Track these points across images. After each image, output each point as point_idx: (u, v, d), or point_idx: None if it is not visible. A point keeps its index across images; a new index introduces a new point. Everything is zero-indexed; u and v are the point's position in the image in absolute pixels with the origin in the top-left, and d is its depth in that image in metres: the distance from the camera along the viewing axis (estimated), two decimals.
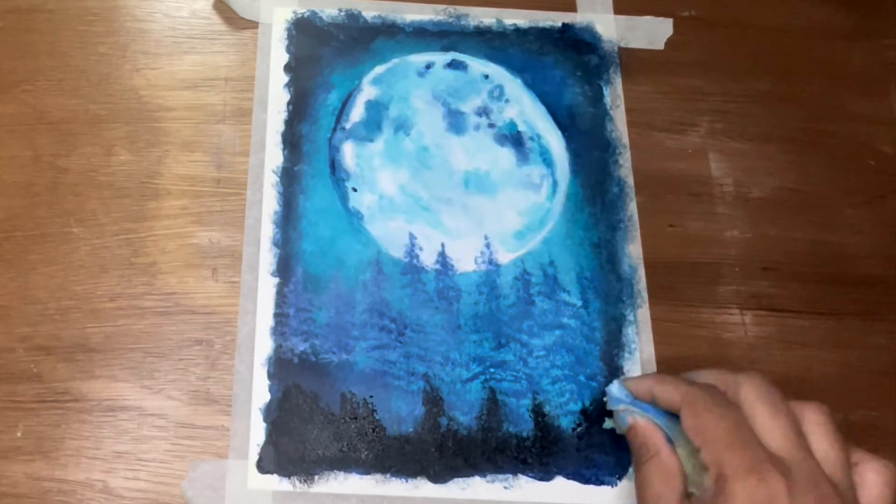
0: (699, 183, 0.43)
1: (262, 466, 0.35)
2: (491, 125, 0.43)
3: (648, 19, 0.45)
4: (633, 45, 0.45)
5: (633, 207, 0.41)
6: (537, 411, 0.37)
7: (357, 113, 0.42)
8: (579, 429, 0.37)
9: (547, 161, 0.42)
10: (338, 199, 0.40)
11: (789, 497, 0.26)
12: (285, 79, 0.43)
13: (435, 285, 0.39)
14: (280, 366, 0.37)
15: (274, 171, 0.41)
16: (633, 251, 0.40)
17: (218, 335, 0.38)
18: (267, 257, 0.39)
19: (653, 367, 0.38)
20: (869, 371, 0.39)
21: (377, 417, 0.36)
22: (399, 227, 0.40)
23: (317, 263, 0.39)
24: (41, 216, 0.39)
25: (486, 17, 0.45)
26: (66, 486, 0.35)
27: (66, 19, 0.44)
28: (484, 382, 0.37)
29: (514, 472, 0.36)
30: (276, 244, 0.39)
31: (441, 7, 0.45)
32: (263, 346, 0.37)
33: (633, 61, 0.45)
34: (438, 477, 0.35)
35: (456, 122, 0.43)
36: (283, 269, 0.39)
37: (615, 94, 0.44)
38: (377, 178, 0.41)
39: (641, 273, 0.40)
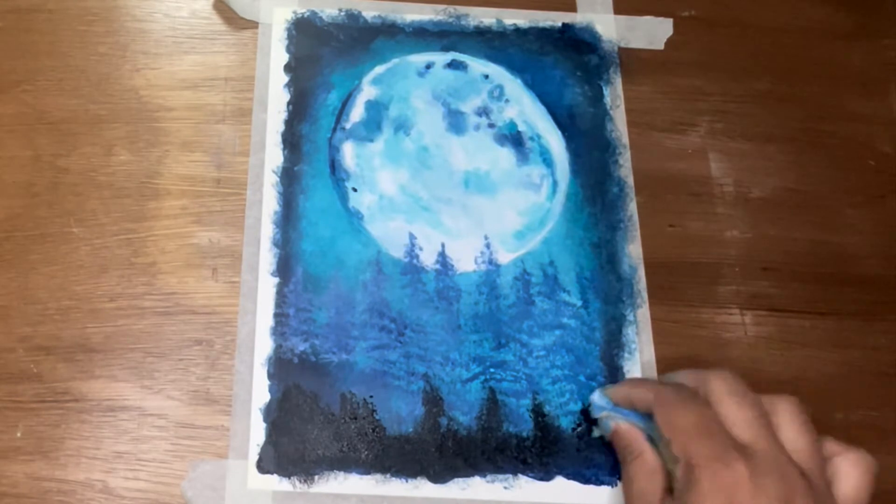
0: (699, 183, 0.43)
1: (262, 466, 0.35)
2: (491, 125, 0.43)
3: (648, 19, 0.45)
4: (633, 45, 0.45)
5: (633, 207, 0.41)
6: (537, 411, 0.37)
7: (357, 113, 0.42)
8: (579, 429, 0.37)
9: (547, 161, 0.42)
10: (338, 199, 0.40)
11: (752, 481, 0.27)
12: (285, 79, 0.43)
13: (435, 285, 0.39)
14: (280, 366, 0.37)
15: (274, 171, 0.41)
16: (633, 251, 0.40)
17: (218, 335, 0.38)
18: (267, 257, 0.39)
19: (653, 367, 0.38)
20: (869, 371, 0.39)
21: (377, 417, 0.36)
22: (399, 227, 0.40)
23: (317, 263, 0.39)
24: (41, 216, 0.39)
25: (486, 17, 0.45)
26: (66, 486, 0.35)
27: (66, 19, 0.44)
28: (484, 382, 0.37)
29: (514, 472, 0.36)
30: (276, 244, 0.39)
31: (441, 7, 0.45)
32: (263, 346, 0.37)
33: (633, 61, 0.45)
34: (438, 477, 0.35)
35: (456, 122, 0.43)
36: (283, 269, 0.39)
37: (615, 94, 0.44)
38: (377, 178, 0.41)
39: (641, 273, 0.40)
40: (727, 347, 0.39)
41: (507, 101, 0.43)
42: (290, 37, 0.44)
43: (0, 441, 0.35)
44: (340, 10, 0.45)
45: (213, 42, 0.44)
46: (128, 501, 0.35)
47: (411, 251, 0.40)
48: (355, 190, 0.41)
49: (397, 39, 0.44)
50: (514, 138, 0.42)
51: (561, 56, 0.45)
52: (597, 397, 0.35)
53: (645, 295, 0.40)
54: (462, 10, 0.45)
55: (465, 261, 0.40)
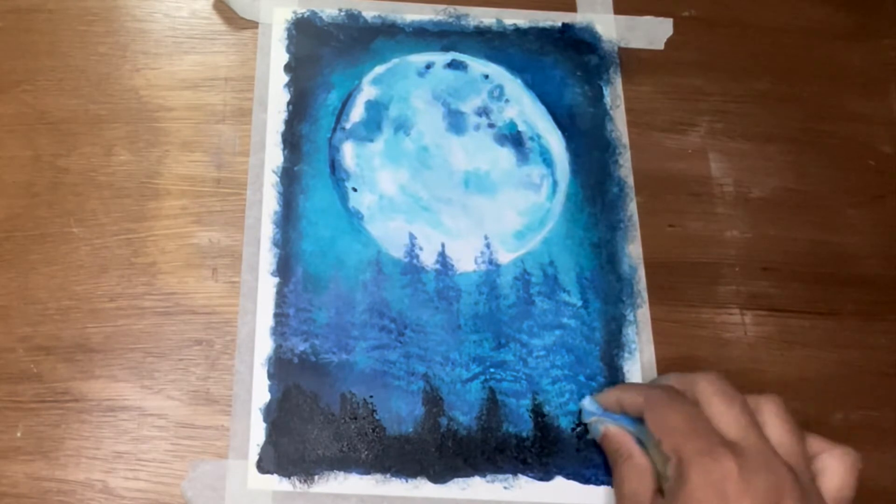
0: (699, 183, 0.43)
1: (262, 466, 0.35)
2: (491, 125, 0.43)
3: (648, 19, 0.45)
4: (633, 45, 0.45)
5: (633, 207, 0.41)
6: (537, 411, 0.37)
7: (357, 113, 0.42)
8: (579, 429, 0.37)
9: (547, 161, 0.42)
10: (338, 199, 0.40)
11: (741, 475, 0.28)
12: (285, 79, 0.43)
13: (435, 285, 0.39)
14: (280, 366, 0.37)
15: (274, 171, 0.41)
16: (633, 251, 0.40)
17: (218, 335, 0.38)
18: (267, 257, 0.39)
19: (653, 367, 0.38)
20: (869, 371, 0.39)
21: (377, 417, 0.36)
22: (399, 227, 0.40)
23: (317, 263, 0.39)
24: (41, 216, 0.39)
25: (486, 17, 0.45)
26: (66, 486, 0.35)
27: (66, 19, 0.44)
28: (484, 382, 0.37)
29: (514, 472, 0.36)
30: (276, 244, 0.39)
31: (441, 7, 0.45)
32: (263, 346, 0.37)
33: (633, 61, 0.45)
34: (438, 477, 0.35)
35: (456, 122, 0.43)
36: (283, 269, 0.39)
37: (615, 94, 0.44)
38: (377, 178, 0.41)
39: (641, 273, 0.40)
40: (727, 347, 0.39)
41: (507, 101, 0.43)
42: (290, 37, 0.44)
43: (0, 441, 0.35)
44: (340, 10, 0.45)
45: (213, 42, 0.44)
46: (128, 501, 0.35)
47: (411, 251, 0.40)
48: (355, 190, 0.41)
49: (397, 39, 0.44)
50: (514, 138, 0.42)
51: (561, 56, 0.45)
52: (587, 403, 0.36)
53: (645, 295, 0.40)
54: (462, 10, 0.45)
55: (465, 261, 0.40)
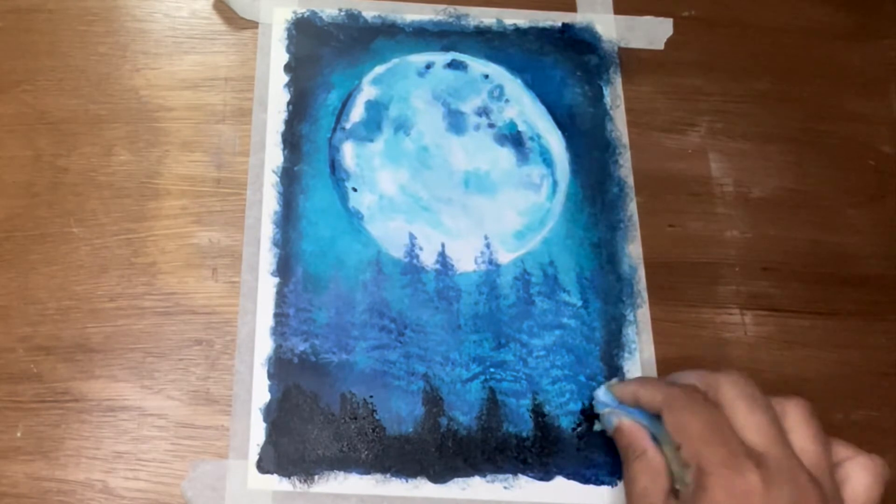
0: (699, 183, 0.43)
1: (262, 466, 0.35)
2: (491, 125, 0.43)
3: (648, 19, 0.46)
4: (633, 45, 0.45)
5: (633, 207, 0.41)
6: (537, 411, 0.37)
7: (357, 113, 0.42)
8: (579, 429, 0.37)
9: (547, 161, 0.42)
10: (338, 199, 0.40)
11: (765, 489, 0.27)
12: (285, 79, 0.43)
13: (435, 285, 0.39)
14: (280, 366, 0.37)
15: (274, 171, 0.41)
16: (633, 251, 0.40)
17: (218, 335, 0.38)
18: (267, 257, 0.39)
19: (653, 367, 0.38)
20: (869, 371, 0.39)
21: (377, 417, 0.36)
22: (399, 227, 0.40)
23: (317, 263, 0.39)
24: (41, 216, 0.39)
25: (486, 17, 0.45)
26: (66, 486, 0.35)
27: (66, 19, 0.44)
28: (484, 382, 0.37)
29: (514, 472, 0.36)
30: (276, 244, 0.39)
31: (441, 7, 0.45)
32: (263, 346, 0.37)
33: (633, 61, 0.45)
34: (438, 477, 0.35)
35: (456, 122, 0.43)
36: (283, 269, 0.39)
37: (615, 94, 0.44)
38: (377, 178, 0.41)
39: (641, 273, 0.40)
40: (727, 347, 0.39)
41: (507, 101, 0.43)
42: (290, 37, 0.44)
43: (0, 441, 0.35)
44: (340, 10, 0.45)
45: (213, 42, 0.44)
46: (128, 501, 0.35)
47: (411, 251, 0.40)
48: (355, 190, 0.41)
49: (397, 39, 0.44)
50: (514, 138, 0.42)
51: (561, 56, 0.45)
52: (601, 393, 0.35)
53: (645, 295, 0.40)
54: (462, 10, 0.45)
55: (465, 261, 0.40)
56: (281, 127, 0.42)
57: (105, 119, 0.42)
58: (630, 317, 0.39)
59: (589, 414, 0.37)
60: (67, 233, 0.39)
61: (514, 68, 0.44)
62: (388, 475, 0.35)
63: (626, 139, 0.43)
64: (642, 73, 0.45)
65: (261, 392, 0.36)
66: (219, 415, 0.36)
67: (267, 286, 0.38)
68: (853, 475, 0.29)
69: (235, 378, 0.37)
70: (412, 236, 0.40)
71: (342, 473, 0.35)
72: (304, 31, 0.44)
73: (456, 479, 0.35)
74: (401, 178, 0.41)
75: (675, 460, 0.30)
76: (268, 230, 0.39)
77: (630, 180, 0.42)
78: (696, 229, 0.42)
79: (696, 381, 0.32)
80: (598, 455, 0.36)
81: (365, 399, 0.36)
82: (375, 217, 0.40)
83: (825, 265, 0.41)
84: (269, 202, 0.40)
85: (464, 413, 0.37)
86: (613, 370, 0.38)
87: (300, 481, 0.35)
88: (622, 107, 0.44)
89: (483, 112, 0.43)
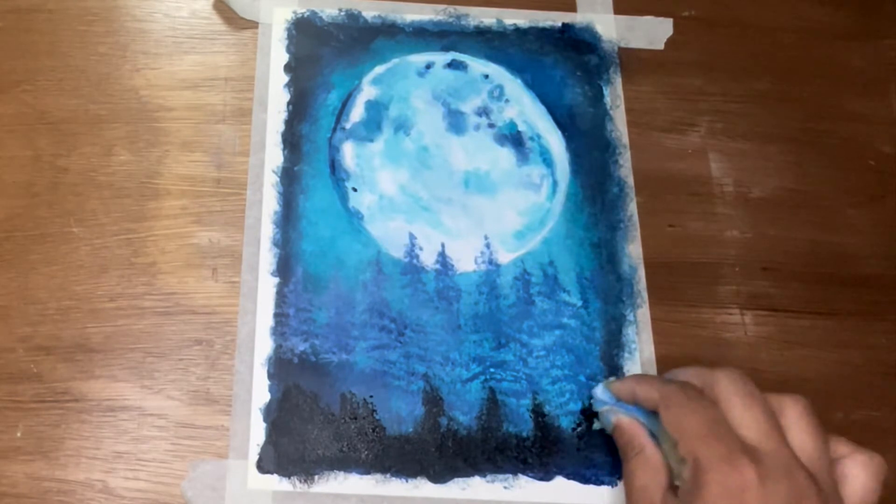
0: (699, 183, 0.43)
1: (262, 466, 0.35)
2: (491, 125, 0.43)
3: (648, 19, 0.46)
4: (633, 45, 0.45)
5: (633, 207, 0.41)
6: (537, 411, 0.37)
7: (357, 113, 0.42)
8: (579, 429, 0.37)
9: (547, 161, 0.42)
10: (338, 199, 0.40)
11: (761, 484, 0.27)
12: (285, 79, 0.43)
13: (435, 285, 0.39)
14: (280, 366, 0.37)
15: (274, 171, 0.41)
16: (633, 251, 0.40)
17: (218, 335, 0.38)
18: (267, 257, 0.39)
19: (653, 367, 0.38)
20: (869, 371, 0.39)
21: (377, 417, 0.36)
22: (399, 227, 0.40)
23: (317, 263, 0.39)
24: (41, 216, 0.39)
25: (486, 17, 0.45)
26: (66, 486, 0.35)
27: (66, 19, 0.44)
28: (484, 382, 0.37)
29: (514, 472, 0.36)
30: (276, 244, 0.39)
31: (441, 7, 0.45)
32: (263, 346, 0.37)
33: (633, 61, 0.45)
34: (438, 477, 0.35)
35: (456, 122, 0.43)
36: (283, 269, 0.39)
37: (615, 94, 0.44)
38: (377, 178, 0.41)
39: (641, 273, 0.40)
40: (727, 347, 0.39)
41: (507, 101, 0.43)
42: (290, 37, 0.44)
43: (0, 441, 0.35)
44: (340, 10, 0.45)
45: (213, 42, 0.44)
46: (128, 501, 0.35)
47: (411, 251, 0.40)
48: (355, 190, 0.41)
49: (397, 39, 0.44)
50: (514, 138, 0.42)
51: (561, 56, 0.45)
52: (599, 391, 0.35)
53: (645, 295, 0.40)
54: (462, 10, 0.45)
55: (465, 261, 0.40)
56: (281, 127, 0.42)
57: (105, 119, 0.42)
58: (630, 317, 0.39)
59: (588, 413, 0.37)
60: (67, 233, 0.39)
61: (514, 68, 0.44)
62: (388, 475, 0.35)
63: (626, 139, 0.43)
64: (642, 73, 0.45)
65: (261, 392, 0.36)
66: (219, 415, 0.36)
67: (267, 286, 0.38)
68: (852, 472, 0.29)
69: (235, 378, 0.37)
70: (412, 236, 0.40)
71: (342, 473, 0.35)
72: (304, 31, 0.44)
73: (456, 479, 0.35)
74: (401, 178, 0.41)
75: (672, 456, 0.31)
76: (268, 230, 0.39)
77: (630, 180, 0.42)
78: (696, 229, 0.42)
79: (693, 378, 0.32)
80: (598, 455, 0.36)
81: (365, 399, 0.36)
82: (375, 217, 0.40)
83: (825, 265, 0.41)
84: (269, 202, 0.40)
85: (464, 413, 0.37)
86: (613, 370, 0.38)
87: (300, 481, 0.35)
88: (622, 107, 0.44)
89: (483, 112, 0.43)
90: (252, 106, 0.42)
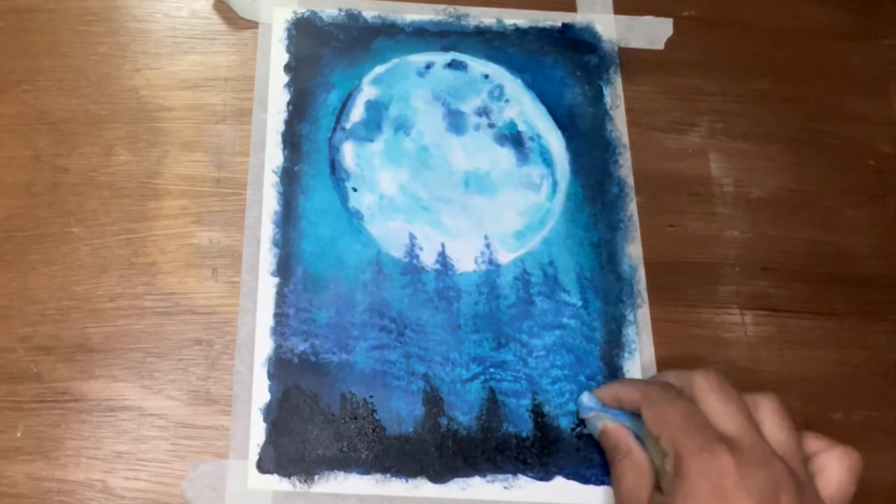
0: (699, 183, 0.43)
1: (262, 466, 0.35)
2: (491, 125, 0.43)
3: (648, 19, 0.46)
4: (633, 45, 0.45)
5: (633, 207, 0.41)
6: (537, 411, 0.37)
7: (357, 113, 0.42)
8: (579, 429, 0.37)
9: (547, 161, 0.42)
10: (338, 199, 0.40)
11: (738, 470, 0.28)
12: (285, 79, 0.43)
13: (435, 285, 0.39)
14: (280, 366, 0.37)
15: (274, 171, 0.41)
16: (633, 251, 0.40)
17: (218, 335, 0.38)
18: (267, 257, 0.39)
19: (653, 367, 0.38)
20: (869, 371, 0.39)
21: (377, 417, 0.36)
22: (399, 227, 0.40)
23: (317, 263, 0.39)
24: (41, 216, 0.39)
25: (486, 17, 0.45)
26: (66, 486, 0.35)
27: (66, 19, 0.44)
28: (484, 382, 0.37)
29: (514, 472, 0.36)
30: (276, 244, 0.39)
31: (441, 7, 0.45)
32: (263, 346, 0.37)
33: (633, 61, 0.45)
34: (438, 477, 0.35)
35: (456, 122, 0.43)
36: (283, 269, 0.39)
37: (615, 94, 0.44)
38: (377, 178, 0.41)
39: (641, 273, 0.40)
40: (727, 347, 0.39)
41: (507, 101, 0.43)
42: (290, 37, 0.44)
43: (0, 441, 0.35)
44: (340, 10, 0.45)
45: (213, 42, 0.44)
46: (128, 501, 0.35)
47: (411, 251, 0.40)
48: (355, 190, 0.41)
49: (397, 39, 0.44)
50: (514, 138, 0.42)
51: (561, 56, 0.45)
52: (585, 398, 0.36)
53: (645, 295, 0.40)
54: (462, 10, 0.45)
55: (465, 261, 0.40)
56: (281, 127, 0.42)
57: (105, 119, 0.42)
58: (630, 317, 0.39)
59: (576, 424, 0.37)
60: (67, 233, 0.39)
61: (514, 68, 0.44)
62: (388, 475, 0.35)
63: (626, 139, 0.43)
64: (642, 73, 0.45)
65: (261, 392, 0.36)
66: (219, 415, 0.36)
67: (267, 286, 0.38)
68: (828, 466, 0.30)
69: (235, 378, 0.37)
70: (412, 236, 0.40)
71: (342, 473, 0.35)
72: (304, 31, 0.44)
73: (456, 479, 0.35)
74: (401, 178, 0.41)
75: (656, 454, 0.31)
76: (268, 230, 0.39)
77: (630, 180, 0.42)
78: (696, 229, 0.42)
79: (672, 379, 0.33)
80: (598, 455, 0.36)
81: (365, 399, 0.36)
82: (375, 217, 0.40)
83: (825, 265, 0.41)
84: (269, 202, 0.40)
85: (464, 413, 0.37)
86: (613, 370, 0.38)
87: (300, 481, 0.35)
88: (622, 107, 0.44)
89: (483, 112, 0.43)
90: (252, 106, 0.42)
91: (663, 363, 0.38)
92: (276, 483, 0.35)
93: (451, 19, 0.45)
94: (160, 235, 0.39)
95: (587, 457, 0.36)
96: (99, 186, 0.40)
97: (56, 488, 0.35)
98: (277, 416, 0.36)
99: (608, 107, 0.43)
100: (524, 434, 0.36)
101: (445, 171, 0.41)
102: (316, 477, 0.35)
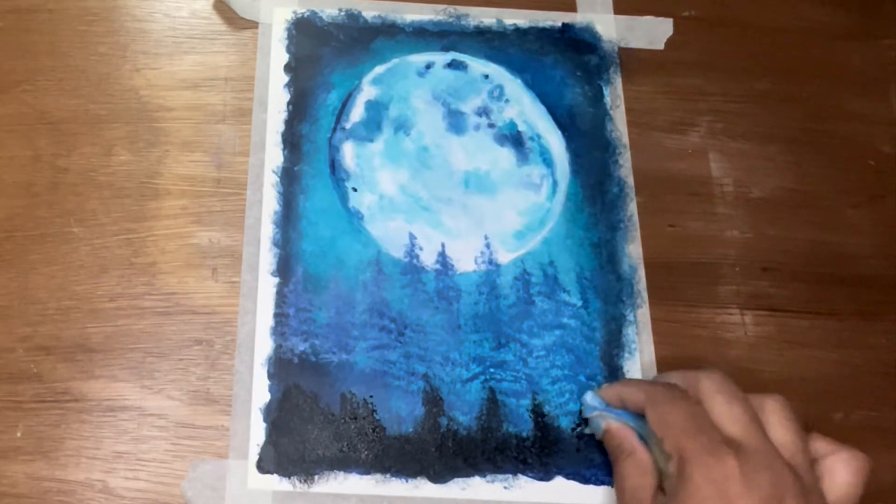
0: (699, 183, 0.43)
1: (262, 466, 0.35)
2: (491, 125, 0.43)
3: (648, 19, 0.46)
4: (633, 45, 0.45)
5: (633, 207, 0.41)
6: (537, 411, 0.37)
7: (357, 113, 0.42)
8: (579, 429, 0.37)
9: (547, 161, 0.42)
10: (338, 199, 0.40)
11: (742, 474, 0.28)
12: (285, 79, 0.43)
13: (435, 285, 0.39)
14: (280, 366, 0.37)
15: (274, 171, 0.41)
16: (633, 251, 0.40)
17: (218, 335, 0.38)
18: (267, 257, 0.39)
19: (653, 367, 0.38)
20: (869, 371, 0.39)
21: (377, 417, 0.36)
22: (399, 227, 0.40)
23: (317, 263, 0.39)
24: (41, 216, 0.39)
25: (486, 17, 0.45)
26: (66, 486, 0.35)
27: (66, 19, 0.44)
28: (484, 382, 0.37)
29: (514, 472, 0.36)
30: (276, 244, 0.39)
31: (441, 7, 0.45)
32: (263, 346, 0.37)
33: (633, 61, 0.45)
34: (438, 477, 0.35)
35: (456, 122, 0.43)
36: (283, 269, 0.39)
37: (615, 94, 0.44)
38: (377, 178, 0.41)
39: (641, 273, 0.40)
40: (727, 347, 0.39)
41: (507, 101, 0.43)
42: (290, 37, 0.44)
43: (0, 441, 0.35)
44: (340, 10, 0.45)
45: (213, 42, 0.44)
46: (128, 501, 0.35)
47: (411, 251, 0.40)
48: (355, 190, 0.41)
49: (397, 39, 0.44)
50: (514, 138, 0.42)
51: (561, 56, 0.45)
52: (589, 397, 0.36)
53: (645, 295, 0.40)
54: (462, 10, 0.45)
55: (465, 261, 0.40)
56: (281, 127, 0.42)
57: (105, 119, 0.42)
58: (630, 317, 0.39)
59: (578, 423, 0.37)
60: (67, 233, 0.39)
61: (514, 68, 0.44)
62: (388, 475, 0.35)
63: (626, 139, 0.43)
64: (642, 73, 0.45)
65: (261, 392, 0.36)
66: (219, 415, 0.36)
67: (267, 286, 0.38)
68: (834, 469, 0.30)
69: (235, 378, 0.37)
70: (412, 236, 0.40)
71: (342, 473, 0.35)
72: (304, 31, 0.44)
73: (456, 479, 0.35)
74: (401, 178, 0.41)
75: (660, 457, 0.31)
76: (268, 230, 0.39)
77: (630, 180, 0.42)
78: (696, 229, 0.42)
79: (677, 380, 0.33)
80: (598, 455, 0.36)
81: (365, 399, 0.36)
82: (375, 217, 0.40)
83: (825, 265, 0.41)
84: (269, 202, 0.40)
85: (464, 413, 0.37)
86: (613, 370, 0.38)
87: (300, 481, 0.35)
88: (622, 107, 0.44)
89: (483, 112, 0.43)
90: (252, 106, 0.42)
91: (663, 363, 0.38)
92: (276, 483, 0.35)
93: (451, 19, 0.45)
94: (160, 235, 0.39)
95: (587, 457, 0.36)
96: (99, 186, 0.40)
97: (56, 488, 0.35)
98: (277, 416, 0.36)
99: (608, 107, 0.43)
100: (524, 434, 0.36)
101: (445, 171, 0.42)
102: (316, 477, 0.35)
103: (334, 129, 0.42)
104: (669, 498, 0.30)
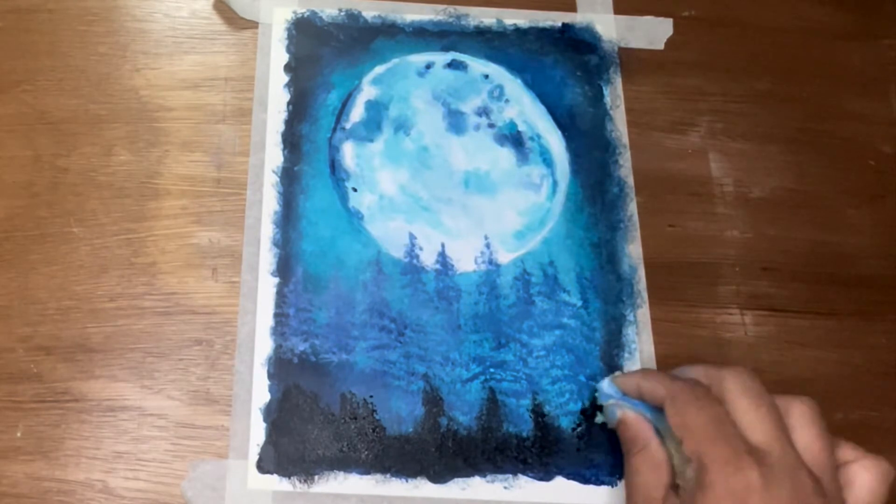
0: (699, 183, 0.43)
1: (262, 466, 0.35)
2: (491, 125, 0.43)
3: (648, 19, 0.46)
4: (633, 45, 0.45)
5: (633, 207, 0.41)
6: (537, 411, 0.37)
7: (357, 113, 0.42)
8: (579, 429, 0.37)
9: (547, 161, 0.42)
10: (338, 199, 0.40)
11: (765, 487, 0.27)
12: (285, 79, 0.43)
13: (435, 285, 0.39)
14: (280, 366, 0.37)
15: (274, 171, 0.41)
16: (633, 251, 0.40)
17: (218, 335, 0.38)
18: (267, 257, 0.39)
19: (653, 367, 0.38)
20: (869, 371, 0.39)
21: (377, 417, 0.36)
22: (399, 227, 0.40)
23: (317, 263, 0.39)
24: (41, 216, 0.39)
25: (486, 17, 0.45)
26: (66, 486, 0.35)
27: (66, 19, 0.44)
28: (484, 382, 0.37)
29: (514, 472, 0.36)
30: (276, 244, 0.39)
31: (441, 7, 0.45)
32: (263, 346, 0.37)
33: (633, 61, 0.45)
34: (438, 477, 0.35)
35: (456, 122, 0.43)
36: (283, 269, 0.39)
37: (615, 94, 0.44)
38: (377, 178, 0.41)
39: (641, 273, 0.40)
40: (727, 347, 0.39)
41: (507, 101, 0.43)
42: (290, 37, 0.44)
43: (0, 441, 0.35)
44: (340, 10, 0.45)
45: (213, 42, 0.44)
46: (128, 501, 0.35)
47: (411, 251, 0.40)
48: (355, 190, 0.41)
49: (397, 39, 0.44)
50: (514, 138, 0.42)
51: (561, 56, 0.45)
52: (605, 385, 0.35)
53: (645, 295, 0.40)
54: (462, 10, 0.45)
55: (465, 261, 0.40)
56: (281, 127, 0.42)
57: (105, 119, 0.42)
58: (630, 317, 0.39)
59: (589, 411, 0.37)
60: (67, 233, 0.39)
61: (514, 68, 0.44)
62: (388, 475, 0.35)
63: (626, 139, 0.43)
64: (642, 73, 0.45)
65: (261, 392, 0.36)
66: (219, 415, 0.36)
67: (267, 286, 0.38)
68: (858, 477, 0.29)
69: (235, 378, 0.37)
70: (412, 236, 0.40)
71: (342, 473, 0.35)
72: (304, 31, 0.44)
73: (456, 479, 0.35)
74: (401, 178, 0.41)
75: (677, 455, 0.30)
76: (268, 230, 0.39)
77: (630, 180, 0.42)
78: (696, 229, 0.42)
79: (701, 376, 0.31)
80: (598, 455, 0.36)
81: (365, 399, 0.36)
82: (375, 217, 0.40)
83: (825, 265, 0.41)
84: (269, 202, 0.40)
85: (464, 413, 0.37)
86: (613, 370, 0.38)
87: (300, 481, 0.35)
88: (622, 107, 0.44)
89: (483, 112, 0.43)
90: (252, 106, 0.42)
91: (663, 363, 0.38)
92: (276, 483, 0.35)
93: (451, 19, 0.45)
94: (160, 235, 0.39)
95: (587, 457, 0.36)
96: (99, 186, 0.40)
97: (56, 488, 0.35)
98: (277, 416, 0.36)
99: (608, 107, 0.43)
100: (524, 434, 0.36)
101: (445, 171, 0.42)
102: (316, 477, 0.35)
103: (334, 129, 0.42)
104: (684, 503, 0.29)
